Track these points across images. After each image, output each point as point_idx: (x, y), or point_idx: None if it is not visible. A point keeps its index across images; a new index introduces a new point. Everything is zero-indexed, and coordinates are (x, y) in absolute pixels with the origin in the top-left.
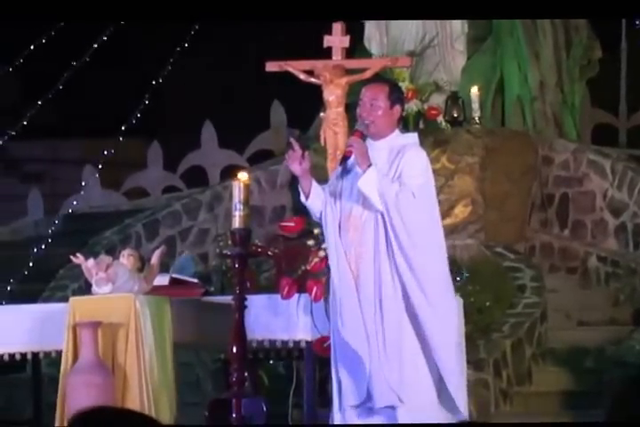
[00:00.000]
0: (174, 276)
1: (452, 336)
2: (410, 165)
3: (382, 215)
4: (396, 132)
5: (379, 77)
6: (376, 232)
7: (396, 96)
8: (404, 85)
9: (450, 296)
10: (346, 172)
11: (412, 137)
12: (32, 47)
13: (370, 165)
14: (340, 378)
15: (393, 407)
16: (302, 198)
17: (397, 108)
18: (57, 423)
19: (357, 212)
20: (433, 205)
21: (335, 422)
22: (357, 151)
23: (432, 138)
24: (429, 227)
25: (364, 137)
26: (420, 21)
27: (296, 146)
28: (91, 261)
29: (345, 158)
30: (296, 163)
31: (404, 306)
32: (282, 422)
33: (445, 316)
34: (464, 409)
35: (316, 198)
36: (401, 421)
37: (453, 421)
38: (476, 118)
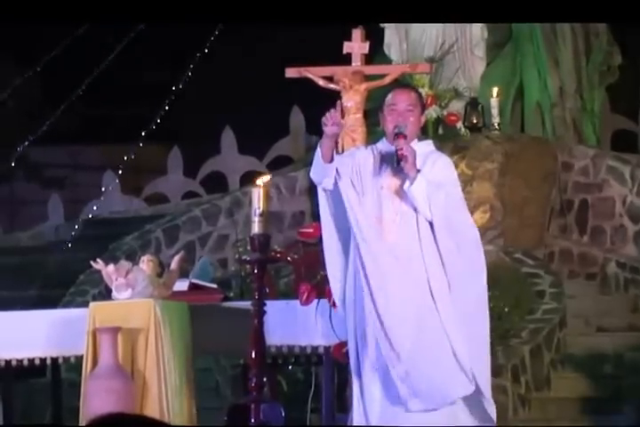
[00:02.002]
0: (194, 281)
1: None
2: (447, 171)
3: (427, 222)
4: (416, 139)
5: (399, 83)
6: (413, 237)
7: (423, 103)
8: (424, 91)
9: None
10: (376, 170)
11: (430, 144)
12: (53, 53)
13: (419, 171)
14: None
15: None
16: (320, 160)
17: (423, 115)
18: None
19: (389, 215)
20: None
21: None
22: (410, 155)
23: (451, 144)
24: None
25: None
26: (439, 27)
27: (339, 108)
28: (110, 267)
29: (399, 161)
30: (332, 123)
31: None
32: None
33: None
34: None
35: (334, 165)
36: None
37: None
38: (496, 124)
